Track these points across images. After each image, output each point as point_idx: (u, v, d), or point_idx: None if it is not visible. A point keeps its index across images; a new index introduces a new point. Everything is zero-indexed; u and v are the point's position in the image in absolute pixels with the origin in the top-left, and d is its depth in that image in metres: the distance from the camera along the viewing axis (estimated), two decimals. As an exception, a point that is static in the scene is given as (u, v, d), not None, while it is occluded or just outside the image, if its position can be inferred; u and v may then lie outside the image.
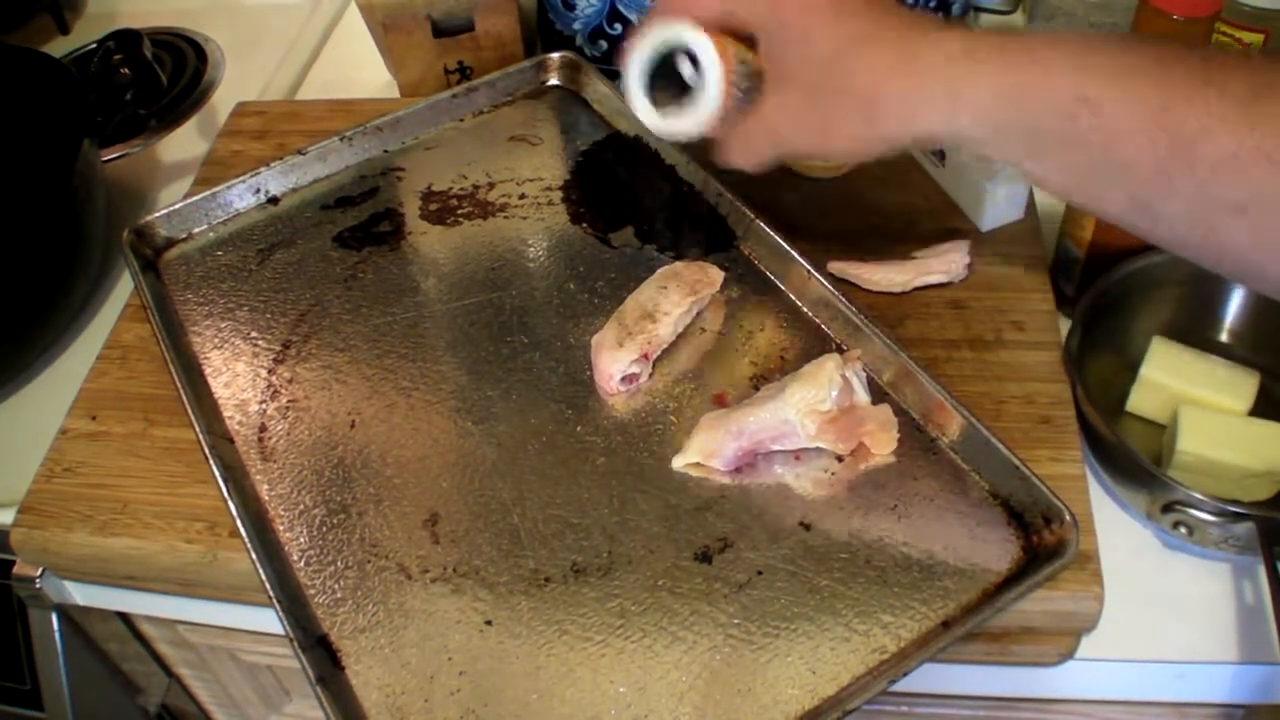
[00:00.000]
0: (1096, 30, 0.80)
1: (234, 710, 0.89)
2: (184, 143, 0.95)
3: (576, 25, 0.87)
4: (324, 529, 0.61)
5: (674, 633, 0.55)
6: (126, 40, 0.98)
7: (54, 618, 0.75)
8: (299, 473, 0.63)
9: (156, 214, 0.78)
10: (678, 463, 0.61)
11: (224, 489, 0.61)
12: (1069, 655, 0.59)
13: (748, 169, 0.57)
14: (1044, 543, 0.56)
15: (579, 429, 0.64)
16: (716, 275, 0.69)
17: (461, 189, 0.79)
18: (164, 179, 0.91)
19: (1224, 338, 0.68)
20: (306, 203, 0.80)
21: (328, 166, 0.81)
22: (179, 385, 0.67)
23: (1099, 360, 0.66)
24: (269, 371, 0.69)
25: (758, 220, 0.71)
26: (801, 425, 0.59)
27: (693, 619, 0.55)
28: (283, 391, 0.68)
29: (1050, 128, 0.45)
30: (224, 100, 0.99)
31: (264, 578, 0.57)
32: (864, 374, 0.62)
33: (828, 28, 0.51)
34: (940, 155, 0.75)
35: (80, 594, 0.72)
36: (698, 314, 0.69)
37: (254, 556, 0.58)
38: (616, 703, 0.53)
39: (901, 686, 0.52)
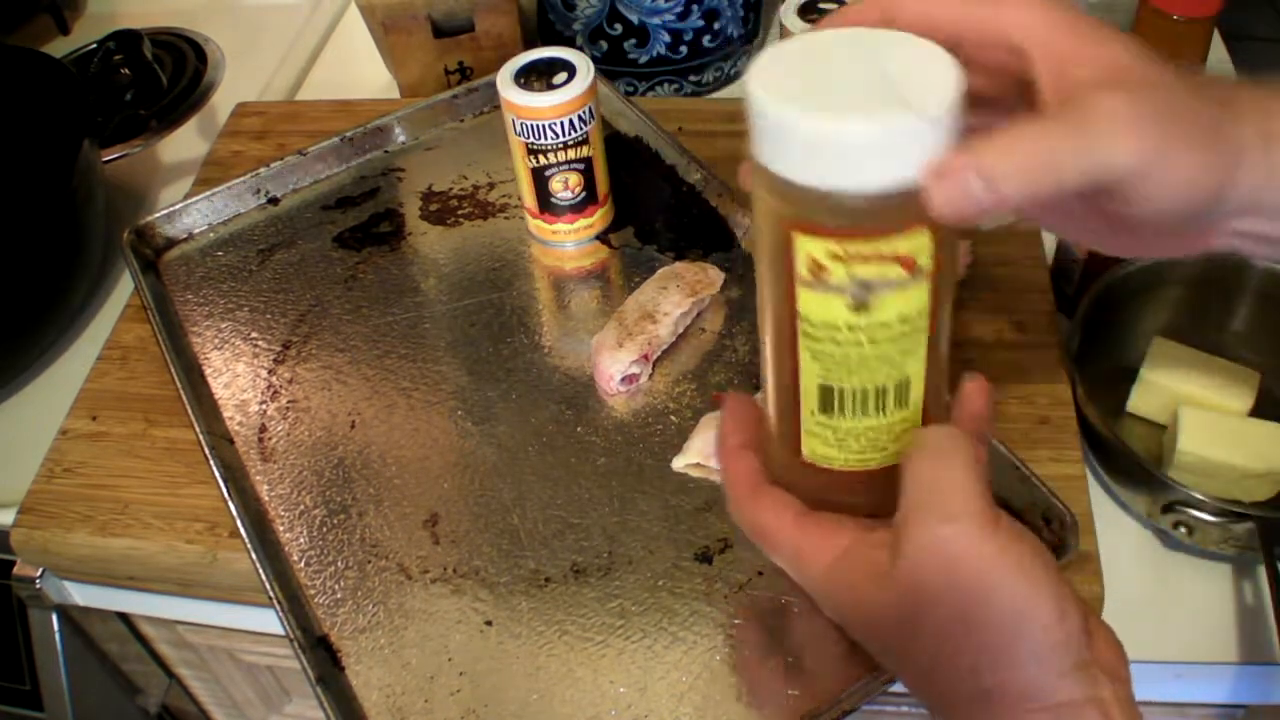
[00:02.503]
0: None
1: (234, 710, 0.89)
2: (184, 143, 0.95)
3: (576, 25, 0.87)
4: (324, 529, 0.61)
5: (674, 633, 0.55)
6: (126, 40, 0.98)
7: (54, 618, 0.75)
8: (299, 473, 0.63)
9: (156, 214, 0.78)
10: (678, 463, 0.61)
11: (224, 489, 0.61)
12: (1069, 655, 0.59)
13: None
14: (1044, 543, 0.56)
15: (579, 429, 0.64)
16: (716, 275, 0.69)
17: (462, 189, 0.79)
18: (164, 179, 0.91)
19: (1224, 338, 0.68)
20: (306, 203, 0.80)
21: (328, 167, 0.82)
22: (179, 385, 0.67)
23: (1099, 360, 0.66)
24: (269, 372, 0.69)
25: (758, 220, 0.71)
26: (801, 425, 0.59)
27: (693, 619, 0.55)
28: (283, 392, 0.68)
29: None
30: (224, 100, 0.99)
31: (264, 578, 0.57)
32: (864, 374, 0.62)
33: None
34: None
35: (80, 594, 0.72)
36: (698, 314, 0.69)
37: (254, 557, 0.58)
38: (616, 703, 0.53)
39: (901, 686, 0.52)
